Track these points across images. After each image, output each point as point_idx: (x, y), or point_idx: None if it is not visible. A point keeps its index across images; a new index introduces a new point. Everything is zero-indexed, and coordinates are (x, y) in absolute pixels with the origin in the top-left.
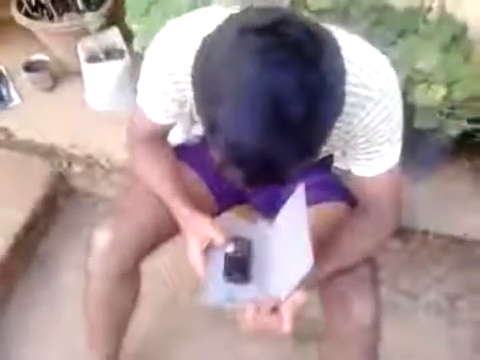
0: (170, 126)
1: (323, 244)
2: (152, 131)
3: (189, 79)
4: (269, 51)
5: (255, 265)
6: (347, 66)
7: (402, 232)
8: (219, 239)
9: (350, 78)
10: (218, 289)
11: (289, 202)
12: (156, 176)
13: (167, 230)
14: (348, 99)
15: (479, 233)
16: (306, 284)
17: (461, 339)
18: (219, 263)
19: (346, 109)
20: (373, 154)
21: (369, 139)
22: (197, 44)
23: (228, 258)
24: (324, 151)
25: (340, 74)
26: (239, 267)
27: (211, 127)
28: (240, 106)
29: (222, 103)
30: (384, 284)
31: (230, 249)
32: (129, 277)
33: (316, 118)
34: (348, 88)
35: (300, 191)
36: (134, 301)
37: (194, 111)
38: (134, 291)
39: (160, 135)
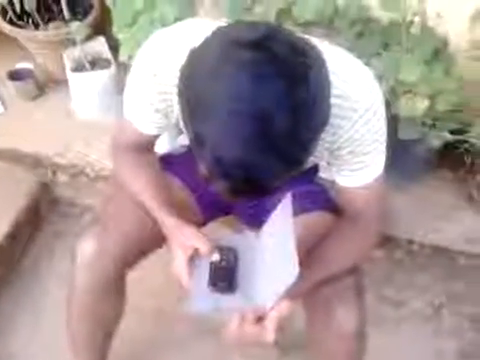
0: (156, 137)
1: (308, 254)
2: (137, 141)
3: (175, 89)
4: (256, 66)
5: (241, 275)
6: (331, 78)
7: (386, 241)
8: (204, 248)
9: (334, 90)
10: (203, 298)
11: (276, 212)
12: (140, 185)
13: (153, 240)
14: (332, 110)
15: (463, 243)
16: (291, 294)
17: (446, 348)
18: (204, 272)
19: (330, 120)
20: (357, 165)
21: (353, 150)
22: (183, 54)
23: (213, 267)
24: (309, 162)
25: (325, 89)
26: (224, 277)
27: (196, 140)
28: (225, 121)
29: (207, 117)
30: (368, 293)
31: (215, 258)
32: (114, 288)
33: (301, 133)
34: (332, 100)
35: (287, 201)
36: (119, 312)
37: (180, 121)
38: (119, 302)
39: (146, 145)
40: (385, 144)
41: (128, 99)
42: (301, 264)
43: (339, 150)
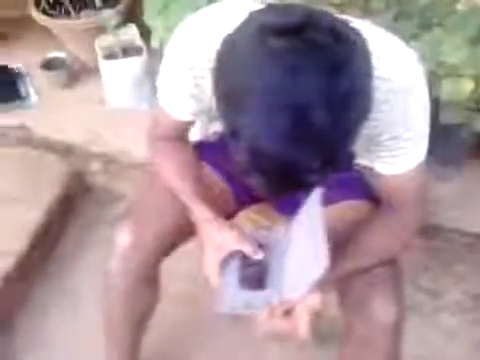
0: (190, 123)
1: (344, 242)
2: (172, 128)
3: (209, 74)
4: (292, 56)
5: (271, 271)
6: (373, 60)
7: (426, 230)
8: (249, 249)
9: (376, 72)
10: (234, 296)
11: (305, 205)
12: (177, 177)
13: (188, 230)
14: (374, 94)
15: None
16: (322, 283)
17: None
18: (234, 270)
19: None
20: (398, 151)
21: (394, 136)
22: (217, 37)
23: (244, 265)
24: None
25: (368, 77)
26: (255, 274)
27: (232, 132)
28: (261, 113)
29: (244, 109)
30: (406, 282)
31: (259, 256)
32: (149, 278)
33: (342, 126)
34: (377, 83)
35: (316, 193)
36: (154, 301)
37: (214, 107)
38: (154, 292)
39: (180, 133)
40: (428, 130)
41: (162, 87)
42: (335, 253)
43: (379, 136)
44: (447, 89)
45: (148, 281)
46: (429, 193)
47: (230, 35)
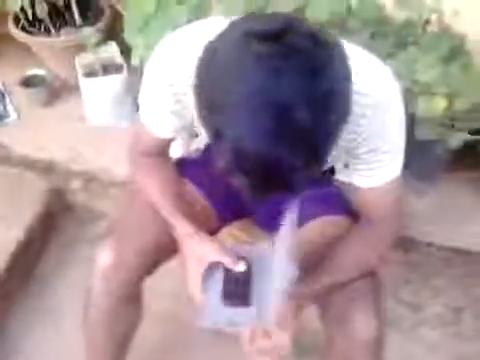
0: (171, 140)
1: (321, 257)
2: (154, 145)
3: (189, 90)
4: (276, 58)
5: (255, 288)
6: (351, 76)
7: (404, 243)
8: (229, 260)
9: (354, 87)
10: (217, 312)
11: (284, 225)
12: (158, 193)
13: (169, 248)
14: (353, 108)
15: None
16: (299, 298)
17: (467, 352)
18: (217, 283)
19: (350, 118)
20: (375, 164)
21: (371, 149)
22: (197, 54)
23: (227, 279)
24: (327, 162)
25: (348, 81)
26: (238, 290)
27: (215, 135)
28: (245, 114)
29: (226, 111)
30: (387, 296)
31: (240, 269)
32: (131, 297)
33: (323, 126)
34: (353, 97)
35: (292, 211)
36: (136, 320)
37: (195, 123)
38: (136, 311)
39: (162, 149)
40: (404, 144)
41: (143, 104)
42: (313, 267)
43: (356, 149)
44: (422, 106)
45: (130, 300)
46: (405, 207)
47: (212, 42)
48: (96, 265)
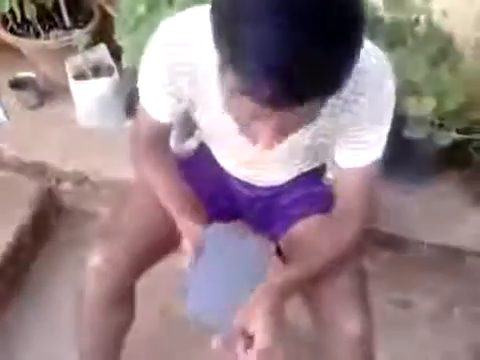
0: (170, 126)
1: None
2: (155, 132)
3: (186, 67)
4: None
5: (220, 277)
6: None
7: (394, 242)
8: (188, 247)
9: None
10: (197, 300)
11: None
12: (164, 191)
13: (161, 249)
14: (353, 87)
15: (471, 243)
16: (278, 295)
17: (459, 349)
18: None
19: (346, 95)
20: (361, 144)
21: (362, 128)
22: (194, 36)
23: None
24: (318, 146)
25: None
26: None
27: (233, 45)
28: (263, 15)
29: (244, 18)
30: (378, 295)
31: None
32: (124, 298)
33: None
34: (355, 76)
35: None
36: (129, 321)
37: (191, 111)
38: (129, 311)
39: (163, 137)
40: (388, 128)
41: (142, 85)
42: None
43: (348, 126)
44: (411, 106)
45: (123, 300)
46: (376, 193)
47: None
48: (88, 267)
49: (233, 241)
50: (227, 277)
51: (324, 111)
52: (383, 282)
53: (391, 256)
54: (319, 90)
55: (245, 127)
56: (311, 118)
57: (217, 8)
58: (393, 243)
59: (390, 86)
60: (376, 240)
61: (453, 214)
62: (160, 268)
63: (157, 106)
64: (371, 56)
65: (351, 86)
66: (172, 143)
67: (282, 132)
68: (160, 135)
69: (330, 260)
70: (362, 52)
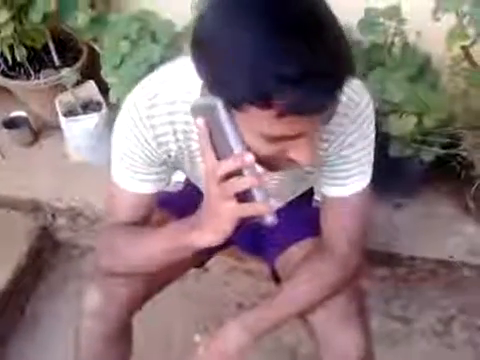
0: (153, 199)
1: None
2: (135, 210)
3: (169, 129)
4: None
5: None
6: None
7: (389, 259)
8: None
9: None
10: None
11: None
12: (148, 242)
13: (158, 281)
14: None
15: (464, 254)
16: (255, 331)
17: None
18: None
19: (324, 127)
20: (344, 173)
21: (343, 155)
22: (171, 95)
23: None
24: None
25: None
26: None
27: (251, 73)
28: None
29: (257, 38)
30: (376, 311)
31: None
32: (122, 333)
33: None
34: None
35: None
36: (128, 355)
37: (182, 159)
38: (127, 345)
39: (143, 214)
40: (372, 156)
41: (119, 159)
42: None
43: (329, 156)
44: (393, 125)
45: (120, 336)
46: (372, 219)
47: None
48: (84, 304)
49: None
50: None
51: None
52: (381, 299)
53: (386, 273)
54: (343, 73)
55: (269, 158)
56: (327, 119)
57: (217, 48)
58: (387, 260)
59: (367, 112)
60: (370, 258)
61: (444, 227)
62: None
63: (139, 176)
64: (354, 83)
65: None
66: None
67: (313, 142)
68: (141, 210)
69: (314, 303)
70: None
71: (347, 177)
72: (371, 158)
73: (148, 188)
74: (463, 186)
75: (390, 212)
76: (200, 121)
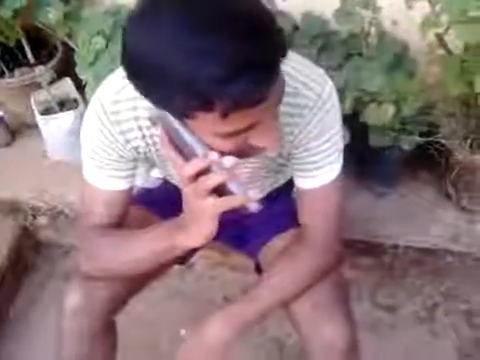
0: (127, 195)
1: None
2: (109, 208)
3: (134, 125)
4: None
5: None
6: (285, 78)
7: (372, 248)
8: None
9: (288, 89)
10: None
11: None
12: (130, 245)
13: (140, 280)
14: (286, 109)
15: (447, 242)
16: (238, 323)
17: (445, 348)
18: None
19: (286, 120)
20: (312, 165)
21: (308, 148)
22: (132, 90)
23: None
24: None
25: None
26: None
27: (184, 85)
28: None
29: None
30: (362, 301)
31: None
32: (105, 333)
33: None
34: (287, 99)
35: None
36: (111, 355)
37: (152, 156)
38: (111, 346)
39: (118, 211)
40: (341, 145)
41: (88, 158)
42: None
43: (296, 149)
44: (371, 114)
45: (103, 334)
46: (346, 207)
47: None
48: (65, 304)
49: None
50: None
51: None
52: (366, 288)
53: (370, 262)
54: (273, 58)
55: (236, 151)
56: (278, 100)
57: (150, 66)
58: (370, 249)
59: (328, 103)
60: (353, 247)
61: (426, 215)
62: None
63: (111, 173)
64: (302, 78)
65: (288, 110)
66: (137, 178)
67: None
68: (115, 208)
69: (297, 291)
70: (292, 75)
71: (316, 168)
72: (339, 147)
73: (121, 185)
74: (443, 173)
75: (372, 201)
76: (159, 130)
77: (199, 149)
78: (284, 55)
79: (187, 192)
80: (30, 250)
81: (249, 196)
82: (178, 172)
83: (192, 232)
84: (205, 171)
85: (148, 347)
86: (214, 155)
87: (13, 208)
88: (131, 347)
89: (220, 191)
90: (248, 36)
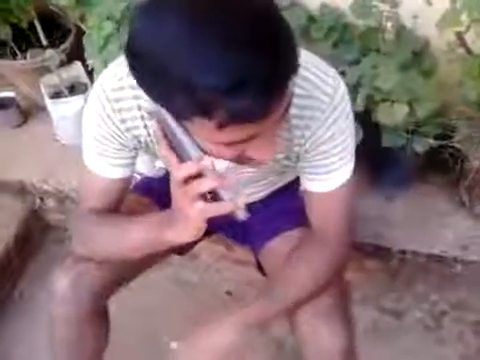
0: (125, 183)
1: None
2: (107, 195)
3: (137, 113)
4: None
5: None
6: (297, 80)
7: (380, 252)
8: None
9: (299, 91)
10: None
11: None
12: (133, 225)
13: (134, 267)
14: (299, 112)
15: (457, 249)
16: (254, 322)
17: (450, 356)
18: None
19: (296, 122)
20: (323, 168)
21: (321, 151)
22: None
23: None
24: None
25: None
26: None
27: (184, 88)
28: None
29: (179, 54)
30: (368, 304)
31: None
32: (94, 318)
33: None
34: (298, 101)
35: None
36: (103, 341)
37: (153, 146)
38: (102, 331)
39: (115, 199)
40: (353, 148)
41: (88, 144)
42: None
43: (307, 152)
44: (383, 114)
45: (92, 319)
46: (355, 212)
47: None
48: (53, 289)
49: None
50: None
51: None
52: (372, 292)
53: (377, 265)
54: (282, 76)
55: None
56: (285, 115)
57: (154, 64)
58: (378, 253)
59: (342, 106)
60: (361, 250)
61: (436, 221)
62: None
63: (112, 161)
64: (316, 80)
65: (301, 113)
66: (142, 166)
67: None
68: (113, 197)
69: (311, 291)
70: (306, 77)
71: (328, 172)
72: (351, 150)
73: (119, 173)
74: (456, 179)
75: (382, 204)
76: (156, 127)
77: (193, 151)
78: (295, 73)
79: (178, 193)
80: (37, 232)
81: (238, 204)
82: (170, 170)
83: (180, 229)
84: (198, 175)
85: (149, 337)
86: (207, 160)
87: (22, 190)
88: (132, 336)
89: (212, 194)
90: (258, 49)
